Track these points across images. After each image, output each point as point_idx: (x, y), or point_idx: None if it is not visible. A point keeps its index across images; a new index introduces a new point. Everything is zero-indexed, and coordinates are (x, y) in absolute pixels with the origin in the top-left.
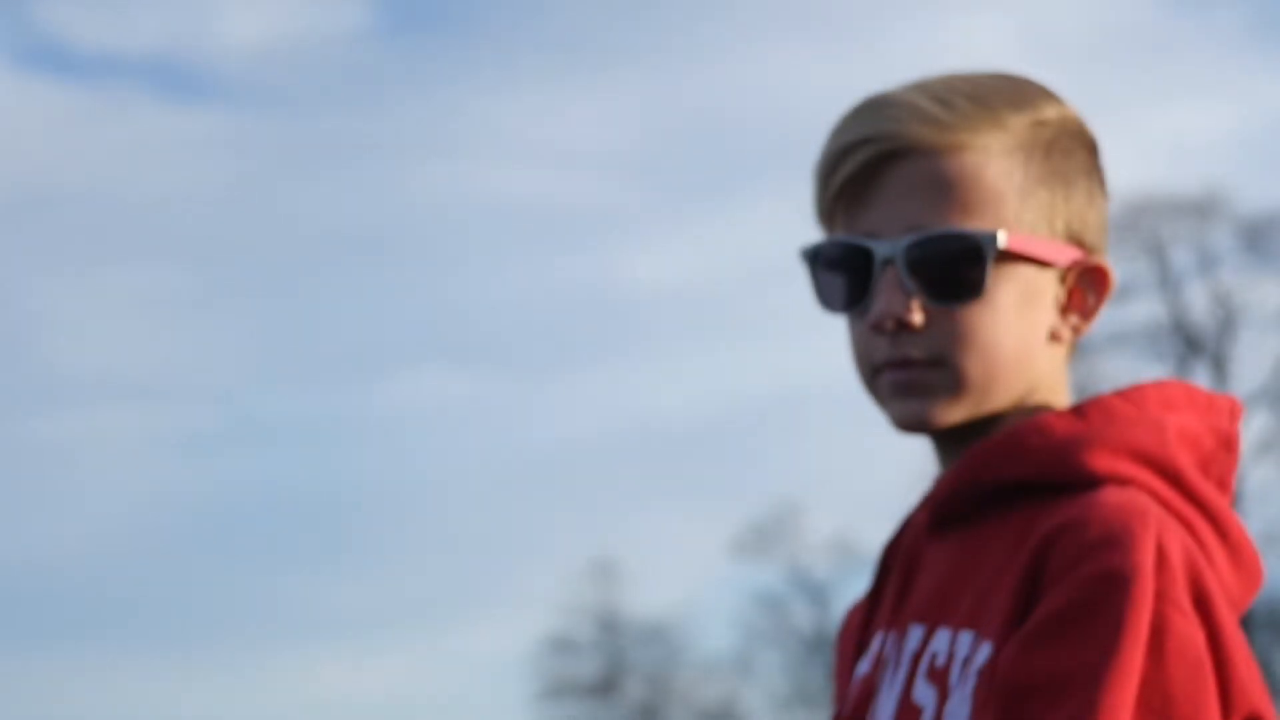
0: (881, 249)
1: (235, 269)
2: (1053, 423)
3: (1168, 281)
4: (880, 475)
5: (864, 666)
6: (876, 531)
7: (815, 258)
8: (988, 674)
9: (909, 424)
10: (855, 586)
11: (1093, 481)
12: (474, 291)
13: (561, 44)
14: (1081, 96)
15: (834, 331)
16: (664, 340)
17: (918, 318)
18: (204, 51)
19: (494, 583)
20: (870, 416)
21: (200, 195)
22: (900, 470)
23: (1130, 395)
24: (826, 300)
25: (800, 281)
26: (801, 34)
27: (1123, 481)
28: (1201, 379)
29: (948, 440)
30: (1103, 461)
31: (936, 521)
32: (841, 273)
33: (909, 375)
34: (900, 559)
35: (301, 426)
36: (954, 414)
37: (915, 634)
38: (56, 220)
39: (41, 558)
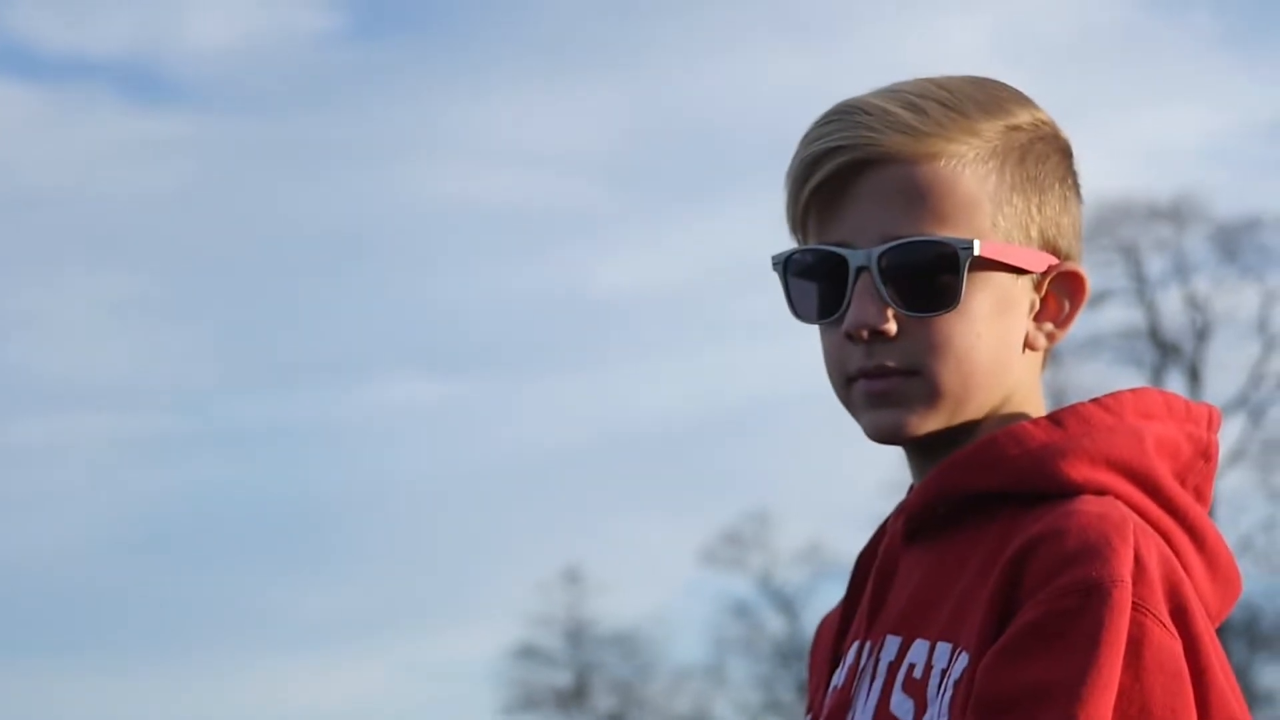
0: (855, 258)
1: (205, 272)
2: (1030, 431)
3: (1142, 287)
4: (853, 484)
5: (839, 677)
6: (849, 541)
7: (788, 266)
8: (965, 686)
9: (883, 434)
10: (827, 596)
11: (1070, 491)
12: (447, 295)
13: (536, 46)
14: (1055, 99)
15: (808, 338)
16: (638, 345)
17: (892, 327)
18: (171, 53)
19: (463, 591)
20: (843, 425)
21: (168, 198)
22: (872, 479)
23: (1108, 403)
24: (800, 309)
25: (775, 287)
26: (778, 36)
27: (1100, 491)
28: (1176, 385)
29: (922, 450)
30: (1080, 471)
31: (912, 531)
32: (815, 281)
33: (883, 385)
34: (876, 568)
35: (272, 432)
36: (928, 424)
37: (892, 644)
38: (21, 223)
39: (6, 564)
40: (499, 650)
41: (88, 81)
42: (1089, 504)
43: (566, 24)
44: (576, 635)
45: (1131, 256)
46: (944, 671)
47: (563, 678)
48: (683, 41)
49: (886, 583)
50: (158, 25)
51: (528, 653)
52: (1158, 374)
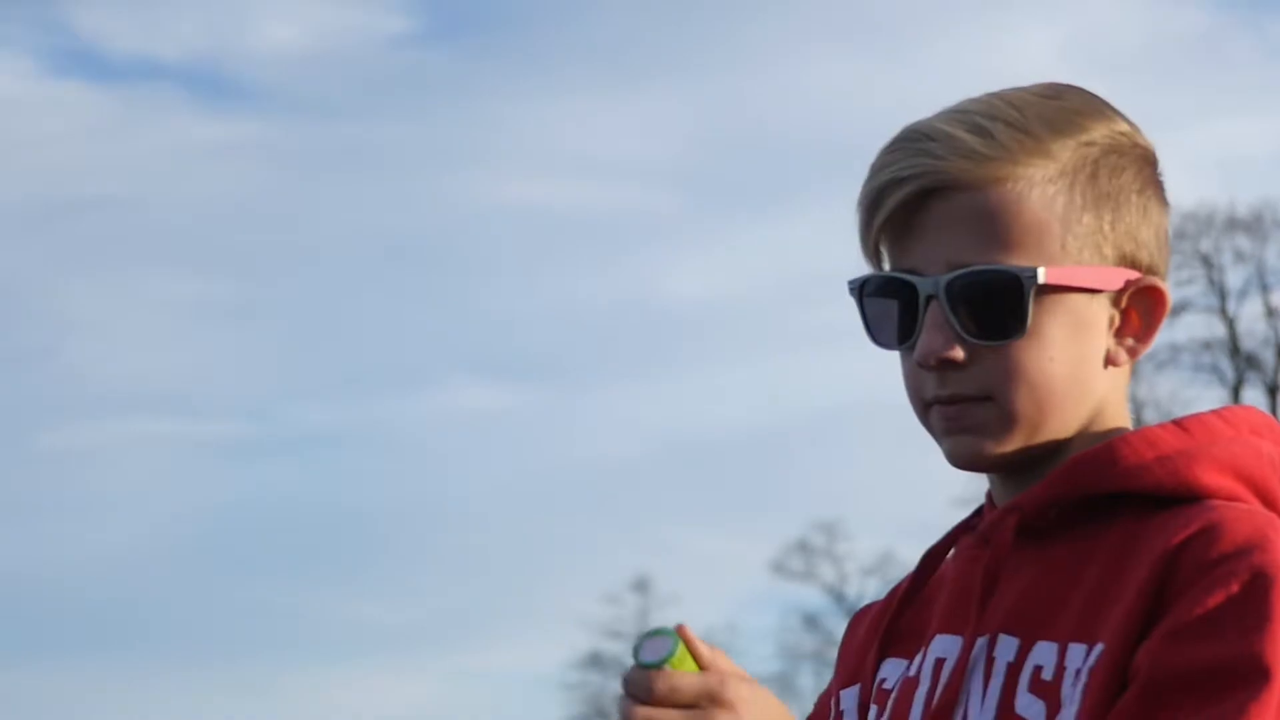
0: (924, 286)
1: (270, 277)
2: (1161, 436)
3: (1221, 299)
4: (924, 495)
5: (921, 670)
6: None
7: (863, 292)
8: (1102, 675)
9: (961, 461)
10: None
11: (1201, 495)
12: (512, 302)
13: (605, 53)
14: (1130, 109)
15: (873, 348)
16: (706, 354)
17: (961, 354)
18: (240, 57)
19: (529, 600)
20: (913, 436)
21: (234, 202)
22: (944, 491)
23: (1226, 416)
24: (876, 335)
25: (846, 298)
26: (847, 44)
27: (1229, 498)
28: (1255, 398)
29: (1008, 470)
30: (1211, 477)
31: (1025, 532)
32: (889, 308)
33: (957, 411)
34: (984, 567)
35: (335, 439)
36: (1006, 449)
37: (1008, 644)
38: (90, 226)
39: (69, 568)
40: (566, 660)
41: (157, 84)
42: (1231, 506)
43: (634, 32)
44: None
45: (1210, 268)
46: (1079, 671)
47: None
48: (752, 49)
49: (993, 583)
50: (227, 28)
51: (596, 662)
52: (1236, 387)
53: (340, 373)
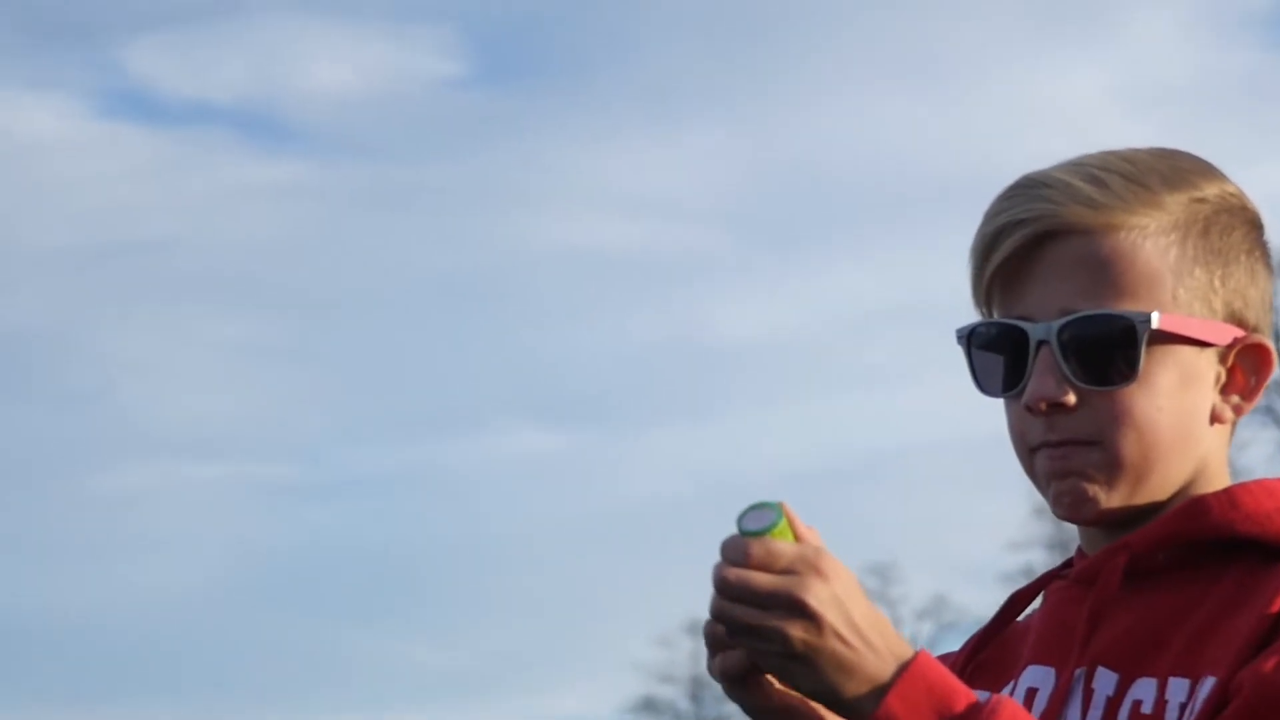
0: (1035, 331)
1: (320, 319)
2: (1278, 486)
3: (1277, 340)
4: (978, 539)
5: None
6: (974, 595)
7: (971, 339)
8: (1213, 703)
9: (1068, 505)
10: (952, 650)
11: None
12: (561, 344)
13: (654, 93)
14: (1179, 147)
15: (931, 389)
16: (755, 394)
17: (1071, 399)
18: (291, 99)
19: (582, 643)
20: (967, 477)
21: (284, 244)
22: (999, 535)
23: None
24: (983, 383)
25: (895, 335)
26: (898, 84)
27: None
28: None
29: (1109, 525)
30: None
31: (1131, 573)
32: (998, 354)
33: (1064, 453)
34: (1089, 607)
35: (385, 481)
36: (1113, 498)
37: (1107, 678)
38: (140, 268)
39: (118, 610)
40: (620, 704)
41: (208, 126)
42: None
43: (683, 71)
44: (699, 689)
45: None
46: (1183, 705)
47: None
48: (799, 88)
49: (1097, 618)
50: (277, 70)
51: (649, 706)
52: None
53: (391, 415)
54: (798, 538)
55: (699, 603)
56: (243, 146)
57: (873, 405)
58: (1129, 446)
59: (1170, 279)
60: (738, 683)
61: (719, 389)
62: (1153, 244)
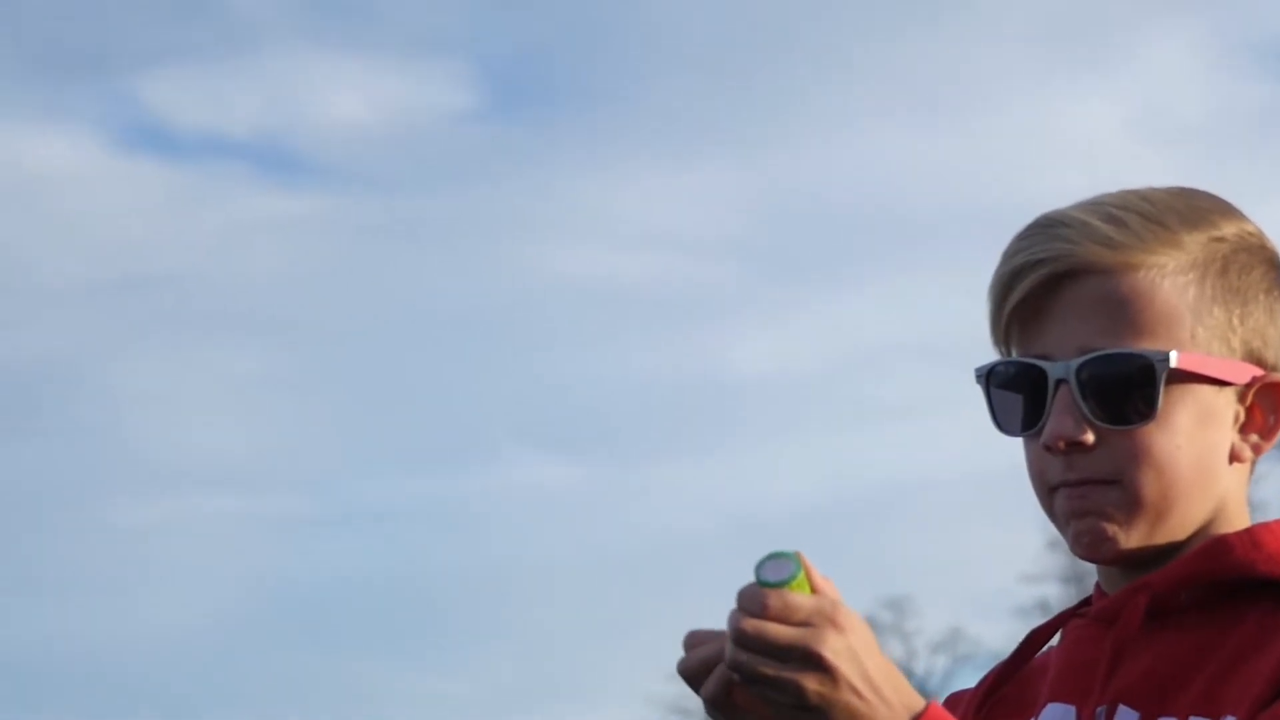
0: (1054, 370)
1: (333, 352)
2: None
3: None
4: (992, 572)
5: None
6: (989, 629)
7: (990, 378)
8: None
9: (1087, 545)
10: (968, 684)
11: None
12: (575, 377)
13: (666, 126)
14: (1194, 183)
15: (942, 424)
16: (768, 428)
17: (1090, 438)
18: (306, 132)
19: (593, 676)
20: (980, 512)
21: (298, 277)
22: (1013, 568)
23: None
24: (1002, 421)
25: (908, 368)
26: (908, 117)
27: None
28: None
29: (1128, 564)
30: None
31: (1152, 612)
32: (1016, 393)
33: (1084, 492)
34: (1110, 646)
35: (396, 514)
36: (1132, 537)
37: (1127, 716)
38: (155, 302)
39: (129, 644)
40: None
41: (223, 159)
42: None
43: (695, 105)
44: None
45: None
46: None
47: None
48: (812, 121)
49: (1118, 657)
50: (292, 104)
51: None
52: None
53: (403, 447)
54: (814, 589)
55: None
56: (257, 180)
57: (886, 439)
58: (1148, 485)
59: (1189, 318)
60: (721, 706)
61: (731, 422)
62: (1171, 283)
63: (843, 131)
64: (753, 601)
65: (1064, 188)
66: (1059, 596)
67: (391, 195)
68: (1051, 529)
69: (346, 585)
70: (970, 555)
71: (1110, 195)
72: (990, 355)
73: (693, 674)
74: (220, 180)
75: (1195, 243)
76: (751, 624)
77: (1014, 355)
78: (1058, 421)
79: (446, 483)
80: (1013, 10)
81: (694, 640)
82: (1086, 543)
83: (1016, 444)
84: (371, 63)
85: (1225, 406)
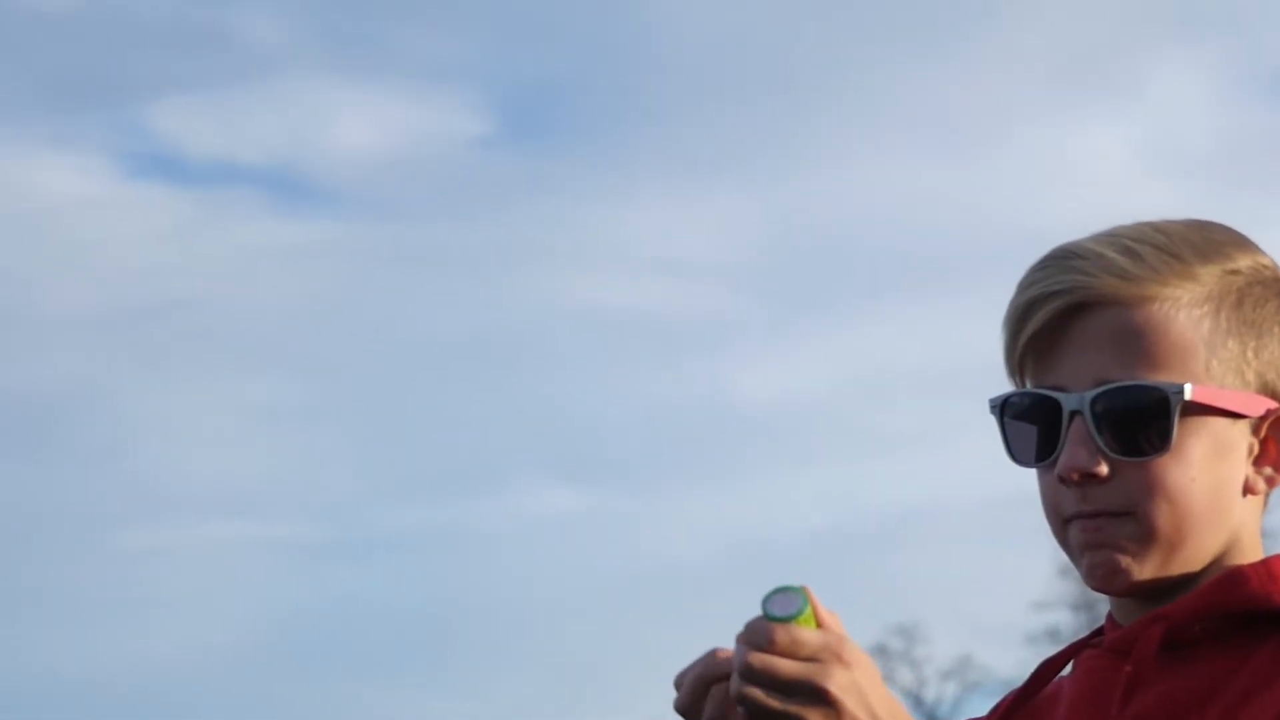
0: (1068, 401)
1: (345, 379)
2: None
3: None
4: (1001, 600)
5: None
6: (999, 656)
7: (1004, 409)
8: None
9: (1100, 580)
10: (978, 712)
11: None
12: (586, 404)
13: (679, 155)
14: (1204, 211)
15: (950, 452)
16: (779, 457)
17: (1104, 470)
18: (319, 159)
19: (605, 703)
20: (989, 539)
21: (310, 305)
22: (1023, 596)
23: None
24: (1016, 452)
25: (919, 397)
26: (920, 146)
27: None
28: None
29: (1140, 596)
30: None
31: (1167, 644)
32: (1030, 424)
33: (1098, 525)
34: (1128, 675)
35: (409, 541)
36: (1145, 569)
37: None
38: (166, 329)
39: (142, 670)
40: None
41: (234, 187)
42: None
43: (708, 134)
44: None
45: None
46: None
47: None
48: (824, 151)
49: (1134, 688)
50: (303, 131)
51: None
52: None
53: (415, 475)
54: (820, 624)
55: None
56: (269, 207)
57: (895, 466)
58: (1162, 517)
59: (1204, 350)
60: None
61: (743, 451)
62: (1186, 315)
63: (853, 160)
64: (760, 636)
65: (1074, 218)
66: (1069, 624)
67: (403, 223)
68: (1062, 556)
69: (357, 612)
70: (980, 583)
71: (1125, 227)
72: (1002, 383)
73: (687, 707)
74: (232, 207)
75: (1210, 275)
76: (758, 658)
77: (1028, 386)
78: (1072, 453)
79: (457, 510)
80: (1023, 42)
81: (682, 680)
82: (1100, 575)
83: (1026, 472)
84: (383, 90)
85: (1239, 439)
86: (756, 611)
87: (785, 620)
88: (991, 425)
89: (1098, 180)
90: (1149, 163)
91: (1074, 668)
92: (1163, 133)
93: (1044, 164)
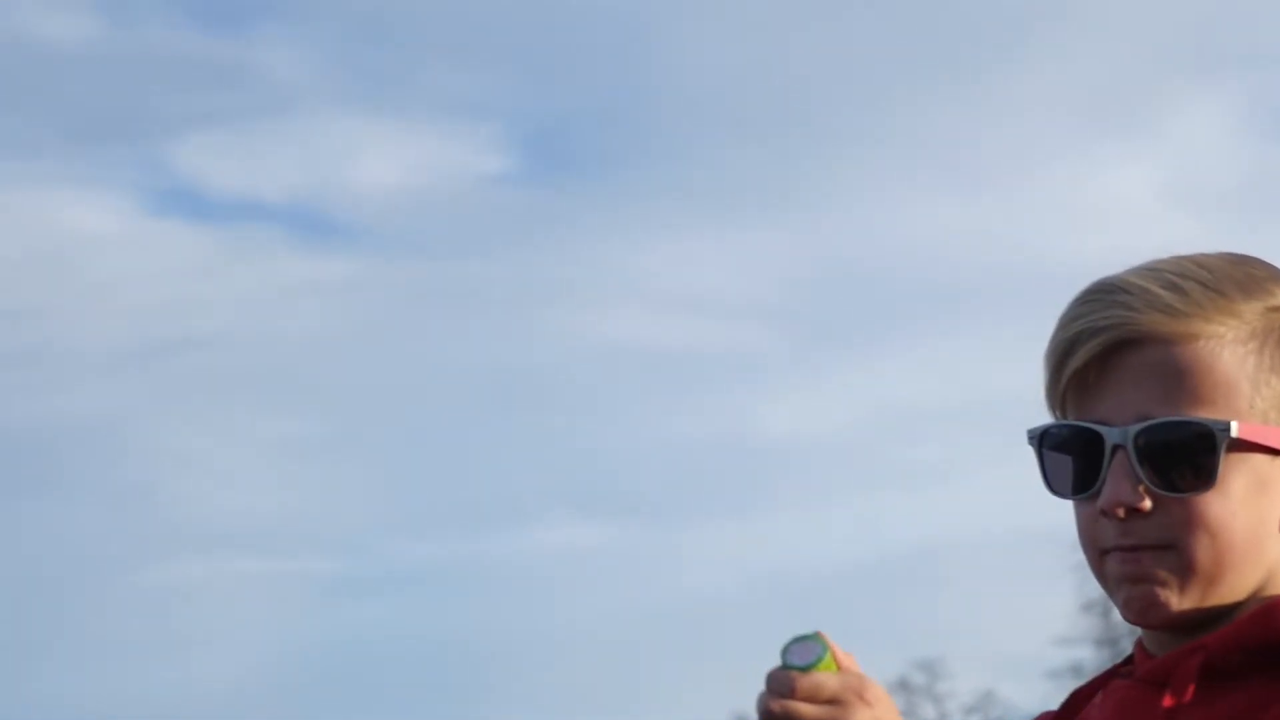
0: (1112, 435)
1: (368, 415)
2: None
3: None
4: (1025, 634)
5: None
6: (1022, 691)
7: (1043, 440)
8: None
9: (1136, 613)
10: None
11: None
12: (610, 439)
13: (702, 192)
14: (1228, 247)
15: (975, 487)
16: (802, 491)
17: (1147, 504)
18: (341, 196)
19: None
20: (1013, 572)
21: (332, 340)
22: (1046, 630)
23: None
24: (1054, 484)
25: (942, 431)
26: (944, 181)
27: None
28: None
29: (1175, 630)
30: None
31: (1206, 673)
32: (1070, 457)
33: (1137, 558)
34: (1166, 711)
35: (432, 575)
36: (1183, 602)
37: None
38: (189, 364)
39: (167, 704)
40: None
41: (256, 223)
42: None
43: (731, 171)
44: None
45: None
46: None
47: None
48: (847, 187)
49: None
50: (325, 168)
51: None
52: None
53: (438, 509)
54: (839, 668)
55: (744, 699)
56: (291, 243)
57: (918, 501)
58: (1202, 552)
59: (1248, 388)
60: None
61: (766, 485)
62: (1230, 353)
63: (877, 196)
64: (782, 684)
65: (1097, 254)
66: (1092, 659)
67: (424, 259)
68: (1085, 591)
69: (381, 646)
70: (1003, 618)
71: (1166, 261)
72: (1025, 418)
73: None
74: (255, 243)
75: (1253, 312)
76: (779, 704)
77: (1068, 419)
78: (1116, 487)
79: (478, 545)
80: (1048, 79)
81: None
82: (1137, 608)
83: (1049, 507)
84: (405, 126)
85: (1278, 475)
86: (778, 648)
87: (806, 669)
88: (1015, 459)
89: (1121, 217)
90: (1171, 199)
91: (1103, 697)
92: (1184, 170)
93: (1067, 201)
